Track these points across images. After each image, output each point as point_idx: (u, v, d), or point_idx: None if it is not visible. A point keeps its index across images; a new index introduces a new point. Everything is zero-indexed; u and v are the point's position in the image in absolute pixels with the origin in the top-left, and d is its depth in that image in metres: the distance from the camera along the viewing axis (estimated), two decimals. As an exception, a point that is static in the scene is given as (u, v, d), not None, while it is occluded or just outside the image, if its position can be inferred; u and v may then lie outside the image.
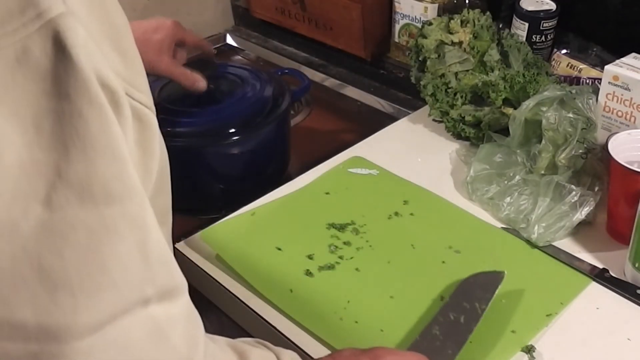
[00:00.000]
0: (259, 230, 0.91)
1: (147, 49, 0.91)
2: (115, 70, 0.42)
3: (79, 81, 0.39)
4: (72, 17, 0.39)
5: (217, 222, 0.92)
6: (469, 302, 0.76)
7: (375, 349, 0.64)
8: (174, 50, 0.97)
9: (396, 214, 0.93)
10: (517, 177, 0.93)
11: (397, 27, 1.28)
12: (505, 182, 0.94)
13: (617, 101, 0.92)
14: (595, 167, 0.90)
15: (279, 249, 0.87)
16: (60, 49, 0.39)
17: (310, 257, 0.86)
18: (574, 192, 0.87)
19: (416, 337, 0.73)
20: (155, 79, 1.03)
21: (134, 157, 0.45)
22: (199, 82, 0.98)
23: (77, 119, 0.39)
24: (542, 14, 1.13)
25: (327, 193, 0.98)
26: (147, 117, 0.46)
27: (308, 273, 0.83)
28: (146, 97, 0.46)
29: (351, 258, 0.86)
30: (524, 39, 1.13)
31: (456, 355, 0.69)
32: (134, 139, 0.45)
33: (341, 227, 0.90)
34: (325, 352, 0.74)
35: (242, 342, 0.59)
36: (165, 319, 0.45)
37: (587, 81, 1.06)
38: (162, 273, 0.45)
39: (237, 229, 0.91)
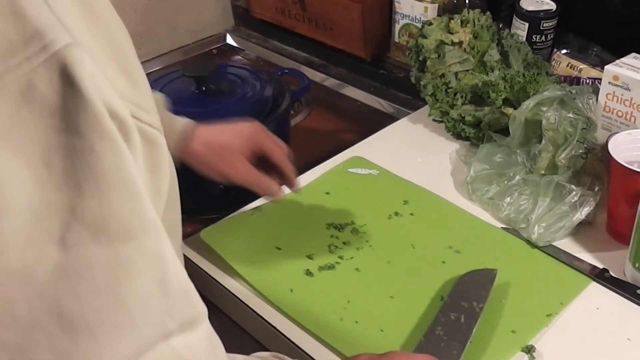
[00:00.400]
0: (258, 230, 0.91)
1: (224, 154, 0.84)
2: (123, 94, 0.41)
3: (89, 115, 0.38)
4: (78, 47, 0.38)
5: (217, 222, 0.92)
6: (466, 301, 0.76)
7: (391, 354, 0.64)
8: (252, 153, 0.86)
9: (396, 214, 0.93)
10: (517, 177, 0.93)
11: (397, 27, 1.28)
12: (506, 182, 0.94)
13: (617, 101, 0.92)
14: (595, 167, 0.90)
15: (279, 249, 0.87)
16: (68, 83, 0.37)
17: (310, 257, 0.86)
18: (574, 192, 0.87)
19: (420, 338, 0.73)
20: (156, 78, 1.03)
21: (144, 180, 0.44)
22: (273, 188, 0.86)
23: (89, 154, 0.38)
24: (542, 14, 1.13)
25: (327, 193, 0.98)
26: (156, 138, 0.45)
27: (308, 273, 0.84)
28: (154, 117, 0.45)
29: (351, 258, 0.86)
30: (524, 39, 1.13)
31: (461, 355, 0.70)
32: (143, 161, 0.44)
33: (341, 227, 0.90)
34: (326, 352, 0.74)
35: (259, 358, 0.59)
36: (187, 349, 0.44)
37: (587, 81, 1.06)
38: (183, 305, 0.44)
39: (237, 229, 0.91)
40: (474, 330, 0.72)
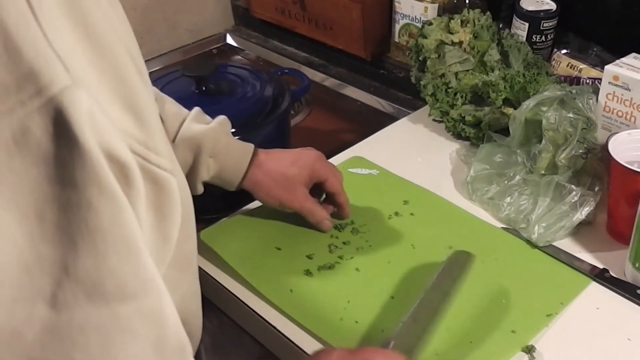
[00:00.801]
0: (258, 230, 0.91)
1: (287, 185, 0.85)
2: (128, 133, 0.39)
3: (87, 167, 0.35)
4: (77, 89, 0.35)
5: (216, 223, 0.92)
6: (443, 287, 0.74)
7: (364, 350, 0.62)
8: (311, 181, 0.87)
9: (396, 213, 0.93)
10: (517, 177, 0.93)
11: (397, 27, 1.28)
12: (506, 182, 0.94)
13: (617, 101, 0.92)
14: (596, 167, 0.90)
15: (279, 249, 0.87)
16: (64, 131, 0.34)
17: (309, 257, 0.86)
18: (574, 192, 0.87)
19: (390, 325, 0.71)
20: (156, 78, 1.03)
21: (149, 224, 0.41)
22: (325, 222, 0.88)
23: (85, 209, 0.35)
24: (542, 14, 1.13)
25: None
26: (167, 181, 0.42)
27: (308, 273, 0.83)
28: (165, 159, 0.42)
29: (351, 258, 0.86)
30: (524, 39, 1.13)
31: (415, 348, 0.67)
32: (149, 204, 0.41)
33: (340, 227, 0.90)
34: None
35: None
36: None
37: (587, 81, 1.06)
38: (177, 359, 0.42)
39: (237, 229, 0.91)
40: (437, 315, 0.70)
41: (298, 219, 0.91)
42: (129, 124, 0.40)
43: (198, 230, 0.91)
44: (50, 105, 0.34)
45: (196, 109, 0.85)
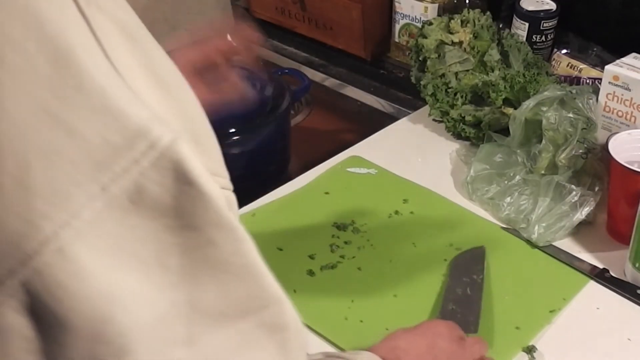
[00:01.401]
0: (259, 230, 0.91)
1: None
2: (205, 167, 0.38)
3: (209, 210, 0.35)
4: (182, 138, 0.34)
5: (217, 223, 0.92)
6: (466, 276, 0.81)
7: (423, 323, 0.68)
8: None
9: (396, 212, 0.93)
10: (518, 177, 0.93)
11: (397, 27, 1.28)
12: (506, 182, 0.94)
13: (617, 101, 0.92)
14: (596, 167, 0.90)
15: (280, 249, 0.87)
16: (183, 180, 0.34)
17: (311, 256, 0.86)
18: (574, 192, 0.87)
19: (437, 316, 0.76)
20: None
21: None
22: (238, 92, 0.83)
23: (206, 247, 0.36)
24: (542, 14, 1.13)
25: (326, 193, 0.98)
26: (233, 199, 0.42)
27: (310, 273, 0.84)
28: (228, 180, 0.42)
29: (353, 257, 0.86)
30: (524, 39, 1.13)
31: (478, 322, 0.75)
32: None
33: (342, 227, 0.91)
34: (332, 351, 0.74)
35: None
36: None
37: (587, 81, 1.06)
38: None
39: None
40: (482, 297, 0.78)
41: (299, 220, 0.91)
42: (202, 157, 0.39)
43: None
44: (165, 157, 0.34)
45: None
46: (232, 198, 0.42)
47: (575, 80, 1.08)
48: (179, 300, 0.35)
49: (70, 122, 0.32)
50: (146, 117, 0.34)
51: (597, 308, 0.79)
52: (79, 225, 0.32)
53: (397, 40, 1.30)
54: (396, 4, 1.26)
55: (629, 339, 0.75)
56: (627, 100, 0.91)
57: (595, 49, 1.09)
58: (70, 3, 0.34)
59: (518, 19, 1.14)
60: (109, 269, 0.33)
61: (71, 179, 0.32)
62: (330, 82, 1.40)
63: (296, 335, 0.43)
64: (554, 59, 1.12)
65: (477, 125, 1.05)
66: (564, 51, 1.12)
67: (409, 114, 1.19)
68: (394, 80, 1.31)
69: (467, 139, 1.07)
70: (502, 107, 1.02)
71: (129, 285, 0.34)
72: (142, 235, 0.34)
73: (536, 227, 0.87)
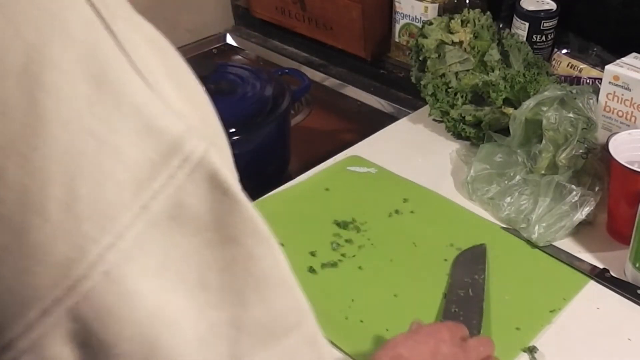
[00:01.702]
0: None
1: None
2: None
3: (245, 220, 0.35)
4: (213, 147, 0.34)
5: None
6: (468, 277, 0.81)
7: (427, 325, 0.67)
8: None
9: (396, 211, 0.93)
10: (518, 177, 0.93)
11: (398, 26, 1.28)
12: (506, 182, 0.94)
13: (617, 101, 0.92)
14: (596, 167, 0.90)
15: (281, 245, 0.87)
16: (219, 190, 0.34)
17: (312, 253, 0.86)
18: (574, 192, 0.87)
19: (440, 318, 0.76)
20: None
21: None
22: None
23: (247, 261, 0.35)
24: (542, 13, 1.13)
25: (326, 189, 0.98)
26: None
27: (311, 270, 0.83)
28: (240, 187, 0.41)
29: (353, 256, 0.86)
30: (525, 38, 1.13)
31: (481, 323, 0.75)
32: None
33: (343, 225, 0.90)
34: (331, 351, 0.74)
35: None
36: None
37: (588, 81, 1.06)
38: None
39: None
40: (484, 298, 0.78)
41: (299, 216, 0.91)
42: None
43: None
44: (200, 169, 0.33)
45: None
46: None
47: (575, 80, 1.08)
48: (222, 321, 0.34)
49: (113, 142, 0.32)
50: (179, 129, 0.33)
51: (597, 308, 0.79)
52: (124, 246, 0.31)
53: (397, 40, 1.30)
54: (396, 4, 1.26)
55: (629, 339, 0.75)
56: (627, 100, 0.91)
57: (595, 49, 1.09)
58: (94, 18, 0.33)
59: (518, 19, 1.14)
60: (155, 291, 0.32)
61: (117, 200, 0.31)
62: (330, 82, 1.40)
63: (325, 345, 0.43)
64: (554, 59, 1.12)
65: (477, 125, 1.05)
66: (564, 51, 1.12)
67: (409, 113, 1.19)
68: (394, 80, 1.31)
69: (467, 138, 1.07)
70: (502, 107, 1.02)
71: (174, 307, 0.33)
72: (185, 253, 0.33)
73: (536, 227, 0.87)
